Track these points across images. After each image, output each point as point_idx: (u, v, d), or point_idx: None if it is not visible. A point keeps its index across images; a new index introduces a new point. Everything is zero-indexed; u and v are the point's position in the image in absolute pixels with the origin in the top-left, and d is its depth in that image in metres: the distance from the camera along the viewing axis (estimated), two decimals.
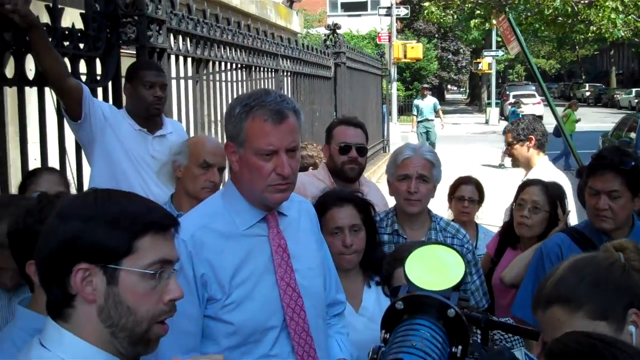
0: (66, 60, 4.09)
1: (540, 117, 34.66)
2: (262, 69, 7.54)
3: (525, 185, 3.96)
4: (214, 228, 2.34)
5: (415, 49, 24.85)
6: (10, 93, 3.79)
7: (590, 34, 24.50)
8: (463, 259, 1.44)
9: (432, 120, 20.00)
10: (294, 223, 2.48)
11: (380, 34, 27.20)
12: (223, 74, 6.49)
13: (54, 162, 4.02)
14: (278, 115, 2.25)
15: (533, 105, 35.94)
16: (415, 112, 20.26)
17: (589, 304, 1.81)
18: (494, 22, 21.99)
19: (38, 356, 1.50)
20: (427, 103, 20.05)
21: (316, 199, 3.11)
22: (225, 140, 2.45)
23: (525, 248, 3.77)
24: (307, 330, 2.38)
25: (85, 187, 4.27)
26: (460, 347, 1.29)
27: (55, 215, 1.54)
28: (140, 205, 1.57)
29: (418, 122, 19.90)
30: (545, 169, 4.74)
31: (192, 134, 5.43)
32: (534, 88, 36.86)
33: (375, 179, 15.00)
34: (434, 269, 1.41)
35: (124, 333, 1.52)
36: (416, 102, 20.58)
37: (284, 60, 8.40)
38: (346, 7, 42.91)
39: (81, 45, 4.25)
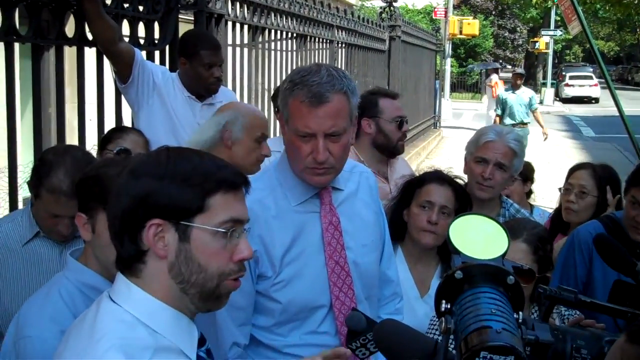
0: (125, 22, 4.10)
1: (597, 100, 34.06)
2: (317, 39, 7.49)
3: (574, 169, 3.83)
4: (267, 203, 2.28)
5: (472, 26, 24.55)
6: (69, 53, 3.81)
7: None
8: (502, 226, 1.42)
9: (527, 124, 12.24)
10: (351, 197, 2.40)
11: (436, 9, 26.80)
12: (279, 43, 6.46)
13: (109, 123, 4.05)
14: (316, 98, 2.12)
15: (590, 87, 35.16)
16: (499, 112, 12.44)
17: None
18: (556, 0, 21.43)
19: (107, 310, 1.53)
20: (520, 98, 12.25)
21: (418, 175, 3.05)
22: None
23: None
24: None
25: None
26: (520, 313, 1.29)
27: (127, 173, 1.54)
28: (212, 163, 1.57)
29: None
30: None
31: (245, 102, 5.42)
32: (591, 70, 35.99)
33: (425, 154, 14.88)
34: (478, 238, 1.40)
35: (195, 289, 1.53)
36: (504, 95, 12.63)
37: (339, 31, 8.33)
38: None
39: (140, 8, 4.26)
